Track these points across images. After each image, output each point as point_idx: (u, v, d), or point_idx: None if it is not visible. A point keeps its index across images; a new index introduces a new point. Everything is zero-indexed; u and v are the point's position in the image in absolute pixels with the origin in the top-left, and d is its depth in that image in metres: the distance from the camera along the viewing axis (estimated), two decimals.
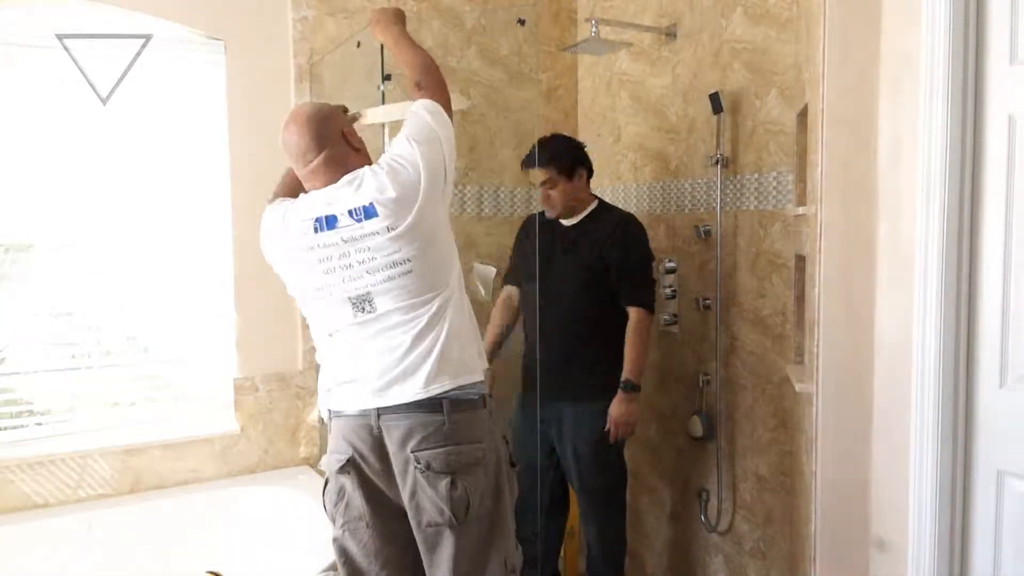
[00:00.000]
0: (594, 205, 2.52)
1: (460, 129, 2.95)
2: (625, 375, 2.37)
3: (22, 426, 2.49)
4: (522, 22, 2.95)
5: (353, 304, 1.68)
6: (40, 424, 2.52)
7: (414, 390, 1.66)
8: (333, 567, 1.96)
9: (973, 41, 1.66)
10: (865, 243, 1.81)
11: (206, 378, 2.74)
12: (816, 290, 1.87)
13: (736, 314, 2.54)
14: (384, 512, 1.74)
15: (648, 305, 2.42)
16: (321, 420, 2.76)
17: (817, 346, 1.87)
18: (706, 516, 2.67)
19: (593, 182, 2.56)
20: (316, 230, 1.66)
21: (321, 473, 2.67)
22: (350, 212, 1.63)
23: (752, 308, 2.48)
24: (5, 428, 2.45)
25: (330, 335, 1.76)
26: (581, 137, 3.21)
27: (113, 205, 2.57)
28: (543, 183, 2.45)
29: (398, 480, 1.69)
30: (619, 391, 2.37)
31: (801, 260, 2.16)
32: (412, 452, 1.65)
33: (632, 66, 2.94)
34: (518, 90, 3.07)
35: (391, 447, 1.68)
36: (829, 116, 1.82)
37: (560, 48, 3.13)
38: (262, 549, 2.39)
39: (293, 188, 1.85)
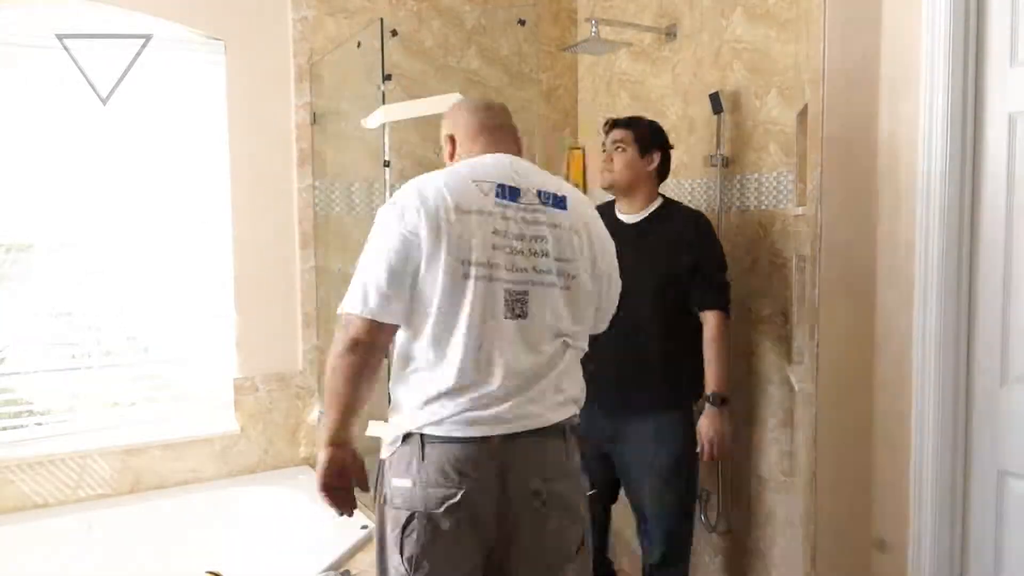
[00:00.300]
0: (659, 202, 2.31)
1: None
2: (712, 387, 2.17)
3: (22, 426, 2.49)
4: (522, 22, 2.95)
5: (507, 298, 1.44)
6: (40, 424, 2.52)
7: (549, 412, 1.47)
8: (333, 567, 1.96)
9: (973, 41, 1.66)
10: (865, 243, 1.81)
11: (206, 378, 2.74)
12: (816, 290, 1.87)
13: (736, 314, 2.54)
14: (482, 562, 1.46)
15: (727, 309, 2.24)
16: (320, 419, 2.76)
17: (817, 346, 1.87)
18: (706, 516, 2.67)
19: (592, 181, 2.55)
20: (499, 195, 1.46)
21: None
22: (539, 192, 1.49)
23: (752, 308, 2.48)
24: (5, 428, 2.45)
25: (463, 331, 1.42)
26: (581, 137, 3.22)
27: (113, 205, 2.57)
28: (615, 142, 2.27)
29: (515, 515, 1.44)
30: (707, 406, 2.18)
31: (801, 260, 2.16)
32: (544, 483, 1.45)
33: (632, 66, 2.94)
34: (518, 90, 3.07)
35: (514, 478, 1.43)
36: (829, 116, 1.82)
37: (560, 48, 3.13)
38: (262, 549, 2.39)
39: None
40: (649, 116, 2.86)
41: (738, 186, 2.51)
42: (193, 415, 2.70)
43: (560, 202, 1.52)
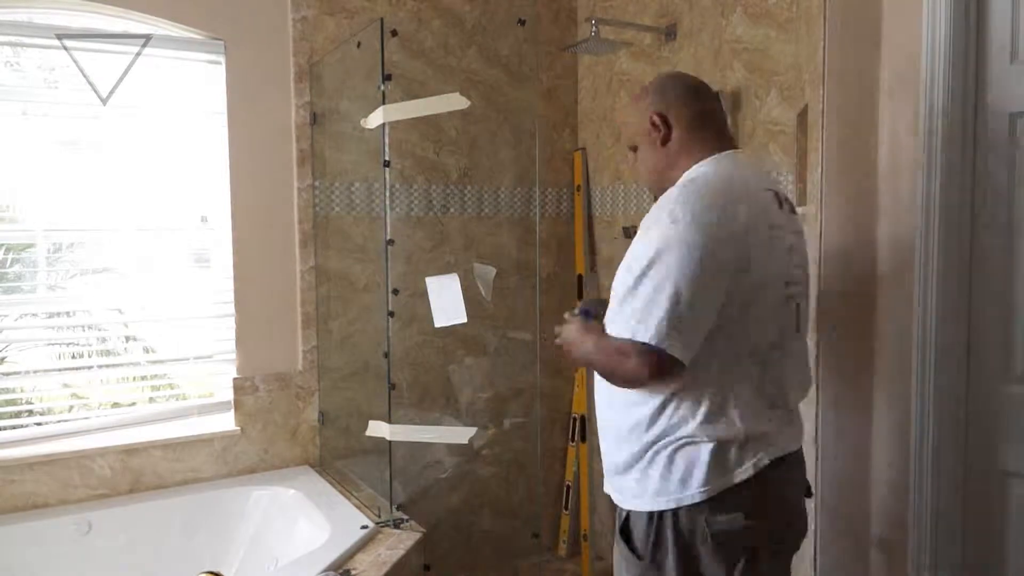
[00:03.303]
0: None
1: (460, 129, 2.96)
2: None
3: (22, 426, 2.49)
4: (522, 22, 2.95)
5: (794, 312, 1.40)
6: (40, 424, 2.52)
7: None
8: (333, 567, 1.96)
9: (973, 40, 1.66)
10: (865, 243, 1.81)
11: (206, 378, 2.74)
12: (816, 289, 1.87)
13: None
14: None
15: None
16: (320, 419, 2.76)
17: (817, 346, 1.87)
18: None
19: (593, 181, 2.54)
20: (780, 206, 1.38)
21: (325, 475, 2.66)
22: (786, 198, 1.42)
23: None
24: (5, 428, 2.45)
25: (759, 353, 1.33)
26: (581, 137, 3.22)
27: (113, 205, 2.57)
28: None
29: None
30: None
31: None
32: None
33: (632, 66, 2.94)
34: (518, 90, 3.07)
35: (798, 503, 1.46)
36: (829, 116, 1.82)
37: (560, 48, 3.13)
38: (262, 549, 2.39)
39: None
40: None
41: None
42: (193, 415, 2.70)
43: (792, 206, 1.45)
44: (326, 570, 1.95)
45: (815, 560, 1.90)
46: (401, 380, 2.76)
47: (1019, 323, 1.64)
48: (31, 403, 2.56)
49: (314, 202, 2.73)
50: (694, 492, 1.27)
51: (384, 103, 2.29)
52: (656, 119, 1.40)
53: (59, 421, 2.54)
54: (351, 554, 2.06)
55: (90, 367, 2.59)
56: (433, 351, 2.94)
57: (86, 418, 2.57)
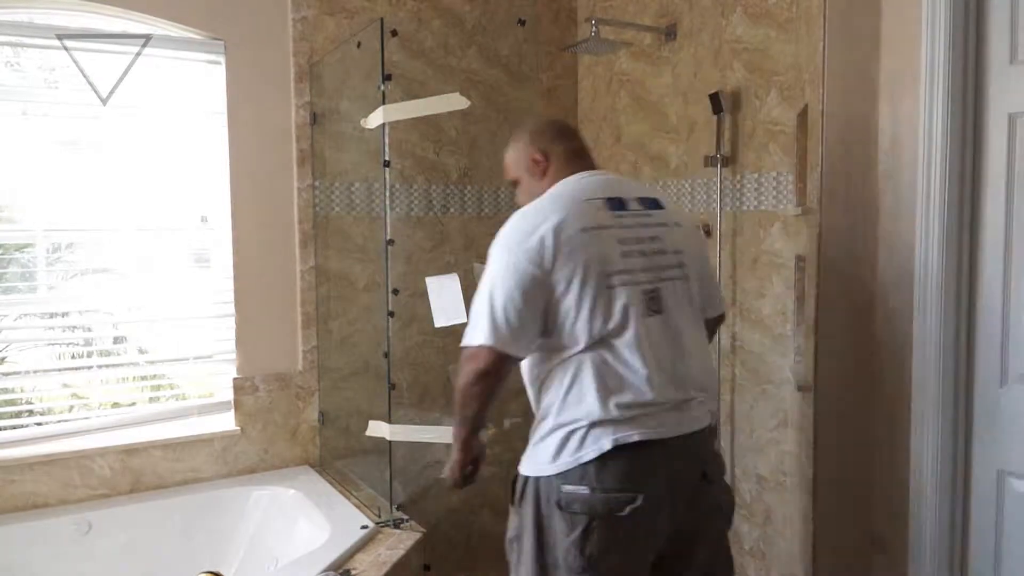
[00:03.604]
0: None
1: (460, 129, 2.96)
2: None
3: (22, 426, 2.49)
4: (522, 22, 2.95)
5: (645, 298, 1.53)
6: (40, 424, 2.52)
7: (710, 411, 1.60)
8: (333, 567, 1.96)
9: (973, 41, 1.66)
10: (865, 243, 1.81)
11: (206, 378, 2.74)
12: (816, 290, 1.87)
13: (736, 314, 2.54)
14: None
15: None
16: (320, 419, 2.76)
17: (817, 346, 1.87)
18: None
19: None
20: (611, 208, 1.58)
21: (325, 475, 2.66)
22: (639, 199, 1.63)
23: (752, 308, 2.48)
24: (5, 428, 2.45)
25: (595, 346, 1.50)
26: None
27: (113, 205, 2.57)
28: None
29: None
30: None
31: (801, 260, 2.16)
32: (716, 496, 1.58)
33: (632, 66, 2.94)
34: (518, 90, 3.07)
35: (692, 481, 1.54)
36: (829, 116, 1.82)
37: (560, 48, 3.12)
38: (262, 549, 2.39)
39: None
40: (649, 116, 2.88)
41: (738, 186, 2.51)
42: (193, 415, 2.70)
43: (656, 203, 1.66)
44: (326, 570, 1.95)
45: (815, 560, 1.90)
46: (401, 380, 2.76)
47: (1019, 323, 1.64)
48: (31, 403, 2.56)
49: (314, 202, 2.73)
50: (549, 467, 1.51)
51: (384, 103, 2.29)
52: (538, 156, 1.71)
53: (59, 421, 2.54)
54: (351, 554, 2.06)
55: (90, 367, 2.59)
56: (433, 351, 2.94)
57: (86, 418, 2.57)
